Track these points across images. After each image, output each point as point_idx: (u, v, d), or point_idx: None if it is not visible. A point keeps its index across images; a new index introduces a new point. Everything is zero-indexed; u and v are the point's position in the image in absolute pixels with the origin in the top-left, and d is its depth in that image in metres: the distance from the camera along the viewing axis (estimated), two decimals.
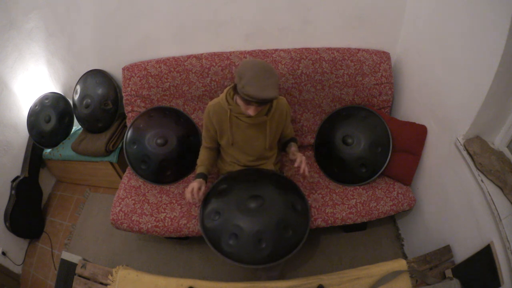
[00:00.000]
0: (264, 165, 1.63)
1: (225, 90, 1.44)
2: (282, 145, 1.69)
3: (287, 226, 1.33)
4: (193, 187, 1.41)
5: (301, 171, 1.43)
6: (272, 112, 1.44)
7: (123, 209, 1.68)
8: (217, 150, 1.65)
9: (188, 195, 1.40)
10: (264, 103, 1.27)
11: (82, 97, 2.07)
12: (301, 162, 1.43)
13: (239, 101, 1.34)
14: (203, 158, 1.58)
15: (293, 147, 1.57)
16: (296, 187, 1.56)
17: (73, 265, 1.38)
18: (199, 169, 1.54)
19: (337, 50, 1.82)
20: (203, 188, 1.45)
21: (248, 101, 1.25)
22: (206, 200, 1.48)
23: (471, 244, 1.29)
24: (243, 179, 1.49)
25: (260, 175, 1.55)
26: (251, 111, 1.29)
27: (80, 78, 2.10)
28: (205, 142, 1.59)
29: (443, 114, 1.46)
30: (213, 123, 1.47)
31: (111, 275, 1.34)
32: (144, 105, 1.89)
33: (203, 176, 1.49)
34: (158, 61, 1.85)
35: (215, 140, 1.57)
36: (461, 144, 1.29)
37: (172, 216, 1.64)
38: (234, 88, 1.33)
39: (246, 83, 1.19)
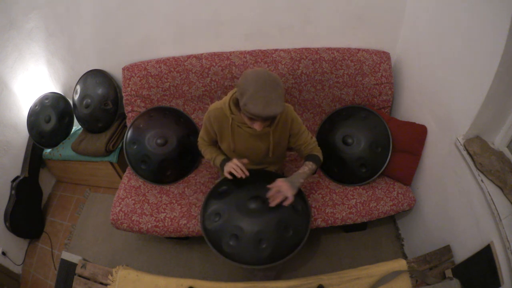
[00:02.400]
0: (266, 168, 1.61)
1: (229, 95, 1.34)
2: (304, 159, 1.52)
3: (288, 226, 1.33)
4: (236, 164, 1.37)
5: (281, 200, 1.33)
6: (275, 123, 1.34)
7: (123, 209, 1.68)
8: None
9: (238, 171, 1.37)
10: (269, 119, 1.19)
11: (82, 97, 2.07)
12: (279, 188, 1.33)
13: (244, 116, 1.25)
14: (213, 150, 1.51)
15: (304, 168, 1.41)
16: None
17: (73, 265, 1.38)
18: (219, 157, 1.45)
19: (337, 50, 1.82)
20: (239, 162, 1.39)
21: (252, 118, 1.19)
22: (206, 202, 1.48)
23: (471, 244, 1.29)
24: (244, 180, 1.48)
25: (260, 176, 1.54)
26: (257, 126, 1.22)
27: (80, 78, 2.10)
28: (205, 141, 1.53)
29: (443, 114, 1.46)
30: (214, 128, 1.41)
31: (111, 275, 1.34)
32: (144, 105, 1.89)
33: (228, 160, 1.44)
34: (158, 61, 1.85)
35: (215, 141, 1.53)
36: (461, 144, 1.28)
37: (172, 216, 1.64)
38: (237, 104, 1.25)
39: (248, 100, 1.10)
